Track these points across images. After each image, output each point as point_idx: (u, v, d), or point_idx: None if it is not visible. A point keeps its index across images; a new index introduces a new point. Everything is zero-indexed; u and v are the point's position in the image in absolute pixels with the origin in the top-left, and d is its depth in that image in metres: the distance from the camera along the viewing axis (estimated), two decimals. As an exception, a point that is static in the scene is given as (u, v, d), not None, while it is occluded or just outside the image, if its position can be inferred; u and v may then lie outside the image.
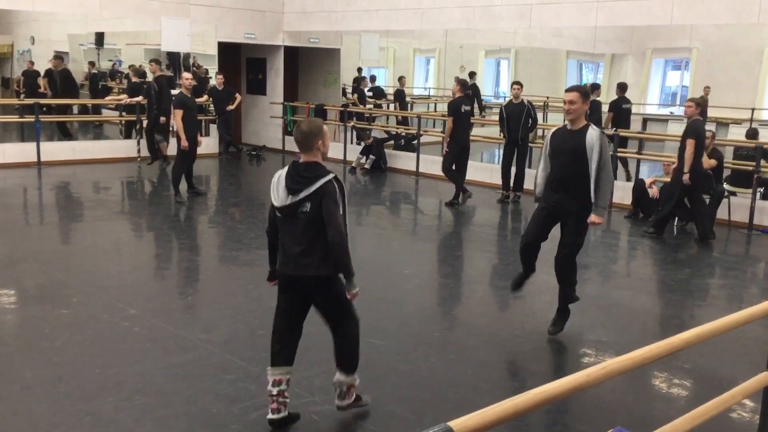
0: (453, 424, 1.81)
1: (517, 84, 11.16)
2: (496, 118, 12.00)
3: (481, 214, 10.95)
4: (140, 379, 4.54)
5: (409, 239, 9.34)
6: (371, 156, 13.91)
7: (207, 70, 15.74)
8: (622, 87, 12.77)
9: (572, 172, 5.28)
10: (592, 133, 5.22)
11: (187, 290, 6.83)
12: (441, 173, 11.61)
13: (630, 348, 2.81)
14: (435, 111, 18.99)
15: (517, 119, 10.95)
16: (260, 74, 16.58)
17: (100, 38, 19.66)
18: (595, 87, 13.15)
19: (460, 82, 10.77)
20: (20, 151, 12.58)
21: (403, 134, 15.05)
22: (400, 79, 17.26)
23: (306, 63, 16.99)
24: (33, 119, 12.80)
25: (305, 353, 5.05)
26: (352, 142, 15.23)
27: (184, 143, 10.07)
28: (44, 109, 13.92)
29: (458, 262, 8.14)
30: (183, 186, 10.60)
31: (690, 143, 8.65)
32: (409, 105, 17.60)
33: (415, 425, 4.04)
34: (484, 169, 13.15)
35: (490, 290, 7.09)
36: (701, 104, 9.11)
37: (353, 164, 14.09)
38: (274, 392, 3.94)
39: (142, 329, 5.45)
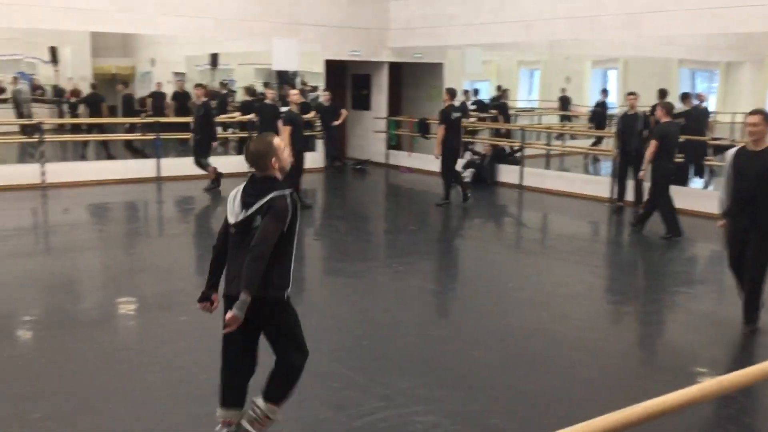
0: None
1: (632, 94, 10.92)
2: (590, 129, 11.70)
3: (587, 227, 10.73)
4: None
5: (513, 253, 9.27)
6: (472, 169, 13.89)
7: (301, 87, 16.20)
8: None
9: (758, 193, 5.53)
10: None
11: (294, 300, 6.99)
12: (545, 186, 11.48)
13: (746, 365, 2.73)
14: (539, 123, 18.77)
15: (631, 130, 10.68)
16: (365, 90, 16.90)
17: (214, 59, 20.63)
18: (686, 96, 12.65)
19: (449, 91, 11.46)
20: (141, 168, 13.34)
21: (510, 148, 14.94)
22: (504, 91, 17.17)
23: (410, 78, 17.19)
24: (154, 137, 13.56)
25: (409, 363, 5.14)
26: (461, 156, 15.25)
27: (290, 158, 10.40)
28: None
29: (563, 275, 8.00)
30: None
31: None
32: (512, 117, 17.46)
33: (519, 438, 4.03)
34: (591, 181, 12.87)
35: (596, 305, 6.94)
36: None
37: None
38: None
39: (253, 337, 5.67)
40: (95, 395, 4.52)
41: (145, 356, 5.24)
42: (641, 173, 9.57)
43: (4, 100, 22.08)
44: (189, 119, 16.70)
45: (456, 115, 11.24)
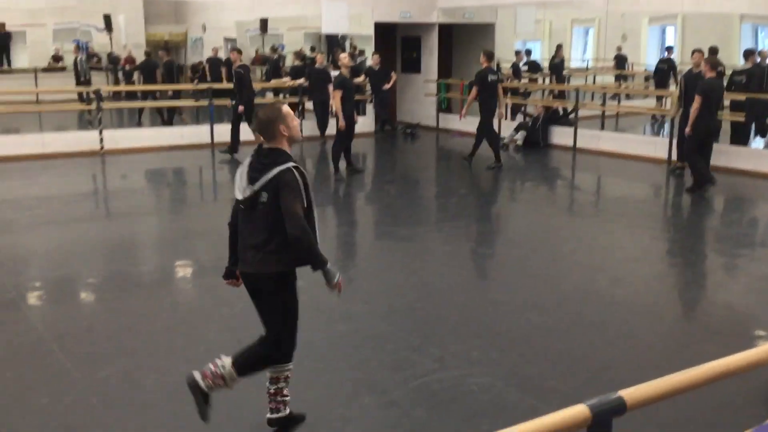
0: (624, 393, 1.82)
1: (697, 52, 10.53)
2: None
3: (642, 189, 10.51)
4: (308, 346, 4.81)
5: (566, 216, 9.15)
6: (523, 132, 13.70)
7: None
8: None
9: None
10: None
11: (347, 264, 7.13)
12: (600, 148, 11.28)
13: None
14: (594, 83, 18.34)
15: (694, 89, 10.35)
16: (415, 53, 16.73)
17: (264, 24, 20.66)
18: (749, 53, 12.11)
19: (486, 53, 11.32)
20: (196, 133, 13.53)
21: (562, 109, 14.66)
22: (558, 50, 16.78)
23: (460, 39, 16.94)
24: (207, 103, 13.72)
25: (462, 326, 5.16)
26: (505, 118, 15.05)
27: (342, 123, 10.43)
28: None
29: (618, 239, 7.87)
30: (342, 163, 10.98)
31: None
32: (566, 78, 17.09)
33: (577, 401, 4.02)
34: (648, 142, 12.57)
35: (653, 268, 6.82)
36: None
37: (505, 140, 13.95)
38: (271, 390, 3.72)
39: (308, 299, 5.71)
40: (158, 354, 4.67)
41: (205, 317, 5.38)
42: (687, 129, 9.33)
43: (63, 68, 22.58)
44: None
45: (492, 77, 11.21)
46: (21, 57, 22.94)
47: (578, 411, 1.91)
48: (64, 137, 12.89)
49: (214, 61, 17.72)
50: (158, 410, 3.96)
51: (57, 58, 22.56)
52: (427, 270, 6.67)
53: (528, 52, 17.68)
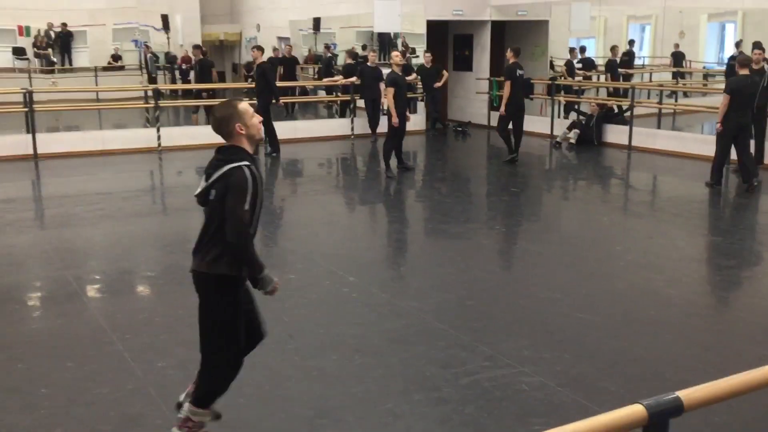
0: (682, 393, 1.79)
1: (758, 49, 10.25)
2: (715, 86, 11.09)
3: (699, 188, 10.26)
4: (359, 341, 4.87)
5: (620, 215, 9.00)
6: (576, 130, 13.51)
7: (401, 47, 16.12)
8: None
9: None
10: None
11: (398, 261, 7.16)
12: (656, 146, 11.07)
13: None
14: (650, 81, 17.98)
15: (756, 87, 10.06)
16: (467, 50, 16.65)
17: (317, 23, 20.83)
18: None
19: (513, 49, 11.68)
20: (249, 131, 13.72)
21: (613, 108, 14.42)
22: (613, 48, 16.51)
23: (513, 37, 16.77)
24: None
25: (513, 325, 5.14)
26: (559, 116, 14.88)
27: (395, 120, 10.46)
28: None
29: (674, 238, 7.71)
30: (393, 161, 11.01)
31: None
32: (621, 76, 16.79)
33: (630, 403, 3.96)
34: (707, 141, 12.25)
35: (709, 269, 6.67)
36: None
37: (558, 138, 13.79)
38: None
39: (359, 295, 5.82)
40: (212, 347, 4.76)
41: (258, 311, 5.45)
42: (717, 125, 9.45)
43: (121, 67, 23.16)
44: (295, 83, 17.10)
45: (520, 72, 11.51)
46: (82, 56, 23.64)
47: (634, 411, 1.89)
48: (123, 134, 13.25)
49: (273, 62, 17.75)
50: (213, 401, 4.04)
51: (116, 57, 23.18)
52: (477, 267, 6.65)
53: (582, 49, 17.43)
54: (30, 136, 11.78)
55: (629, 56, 16.90)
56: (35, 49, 22.82)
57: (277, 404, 4.01)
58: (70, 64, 23.15)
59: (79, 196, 9.44)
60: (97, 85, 20.59)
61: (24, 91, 12.45)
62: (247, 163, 3.30)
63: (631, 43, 17.60)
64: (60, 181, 10.31)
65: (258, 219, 3.40)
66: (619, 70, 16.12)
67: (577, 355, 4.61)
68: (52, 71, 22.27)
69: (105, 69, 22.39)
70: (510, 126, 11.64)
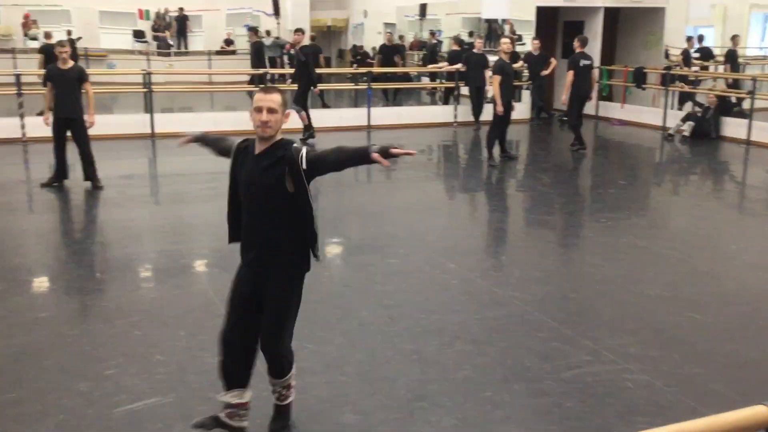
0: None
1: None
2: None
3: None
4: (459, 328, 4.87)
5: (735, 213, 8.58)
6: (691, 122, 12.92)
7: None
8: None
9: None
10: None
11: (499, 250, 7.10)
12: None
13: None
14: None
15: None
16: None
17: (423, 9, 20.81)
18: None
19: (581, 39, 11.65)
20: (355, 116, 13.91)
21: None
22: (734, 38, 15.68)
23: (626, 24, 16.20)
24: (366, 86, 14.06)
25: (618, 320, 5.00)
26: (672, 108, 14.29)
27: (500, 108, 10.33)
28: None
29: (796, 241, 7.29)
30: (496, 150, 10.90)
31: None
32: (741, 67, 15.95)
33: (742, 406, 3.79)
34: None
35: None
36: None
37: (670, 131, 13.24)
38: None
39: (459, 282, 5.81)
40: (315, 325, 4.88)
41: (360, 294, 5.55)
42: None
43: (233, 52, 23.89)
44: (395, 69, 17.15)
45: (585, 62, 11.49)
46: (197, 40, 24.56)
47: (758, 412, 1.81)
48: (234, 116, 13.69)
49: (388, 48, 17.79)
50: (316, 377, 4.15)
51: (228, 41, 23.94)
52: (581, 260, 6.51)
53: (700, 38, 16.65)
54: (148, 115, 12.37)
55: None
56: (153, 32, 23.89)
57: (376, 385, 4.08)
58: (186, 47, 24.10)
59: (192, 174, 9.84)
60: (210, 68, 21.37)
61: (144, 72, 13.08)
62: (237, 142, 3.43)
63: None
64: (174, 160, 10.78)
65: (247, 202, 3.42)
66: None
67: (686, 355, 4.45)
68: (168, 54, 23.25)
69: (218, 53, 23.17)
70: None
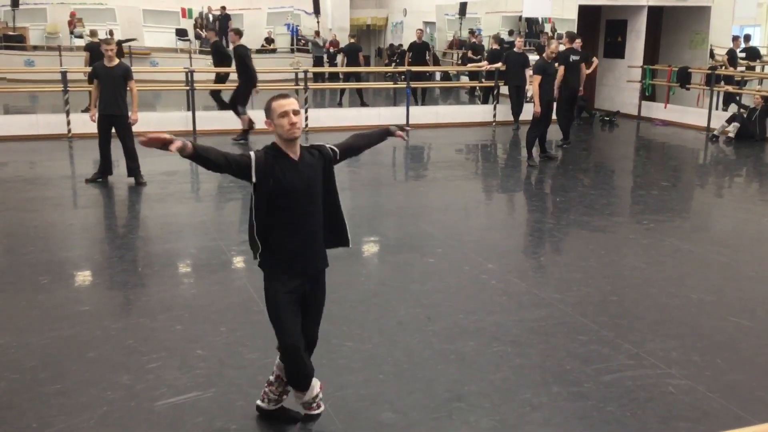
0: None
1: None
2: None
3: None
4: (497, 329, 4.84)
5: (783, 217, 8.37)
6: (736, 123, 12.64)
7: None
8: None
9: None
10: None
11: (539, 251, 7.03)
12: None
13: None
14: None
15: None
16: (619, 37, 15.98)
17: (462, 8, 20.71)
18: None
19: (569, 35, 12.17)
20: (393, 115, 13.91)
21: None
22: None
23: (671, 23, 15.93)
24: (404, 85, 14.06)
25: (660, 324, 4.92)
26: (717, 108, 14.01)
27: (537, 109, 10.24)
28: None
29: None
30: (536, 150, 10.80)
31: None
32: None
33: (789, 416, 3.70)
34: None
35: None
36: None
37: (715, 132, 12.99)
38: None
39: (498, 283, 5.78)
40: (354, 323, 4.90)
41: (397, 293, 5.55)
42: None
43: (273, 50, 24.08)
44: (430, 68, 17.12)
45: (574, 58, 11.83)
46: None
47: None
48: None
49: (419, 46, 17.76)
50: (354, 375, 4.17)
51: (269, 40, 24.13)
52: (622, 263, 6.42)
53: (747, 38, 16.29)
54: (190, 113, 12.53)
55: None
56: (196, 30, 24.18)
57: (415, 384, 4.07)
58: (227, 45, 24.34)
59: (232, 171, 9.93)
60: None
61: (186, 70, 13.26)
62: (255, 151, 3.35)
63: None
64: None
65: (292, 209, 3.42)
66: None
67: (730, 361, 4.36)
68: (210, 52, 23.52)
69: (258, 51, 23.37)
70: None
